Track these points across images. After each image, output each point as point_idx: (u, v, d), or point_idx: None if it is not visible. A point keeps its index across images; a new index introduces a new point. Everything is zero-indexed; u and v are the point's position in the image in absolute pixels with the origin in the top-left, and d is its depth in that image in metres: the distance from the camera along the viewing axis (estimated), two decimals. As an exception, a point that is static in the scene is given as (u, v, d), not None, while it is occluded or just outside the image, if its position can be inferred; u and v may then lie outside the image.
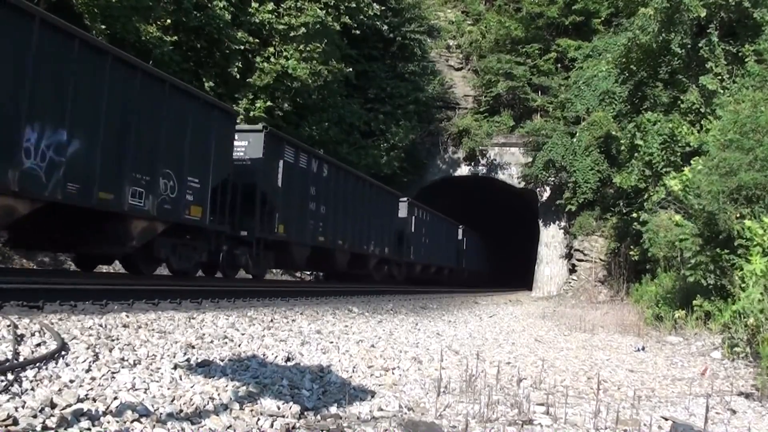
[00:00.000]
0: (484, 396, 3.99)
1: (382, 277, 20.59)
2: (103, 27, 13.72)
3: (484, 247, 39.27)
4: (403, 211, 21.60)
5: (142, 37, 14.73)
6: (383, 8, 24.88)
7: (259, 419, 3.08)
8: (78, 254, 11.04)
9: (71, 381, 3.23)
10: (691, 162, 13.64)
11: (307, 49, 19.33)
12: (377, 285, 18.61)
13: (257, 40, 18.92)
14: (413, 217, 22.85)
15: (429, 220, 25.30)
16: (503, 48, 31.52)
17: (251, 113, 18.45)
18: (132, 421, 2.76)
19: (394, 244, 20.62)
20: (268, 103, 18.76)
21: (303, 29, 19.20)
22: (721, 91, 16.08)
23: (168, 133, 9.69)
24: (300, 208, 14.07)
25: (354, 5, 22.07)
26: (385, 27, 25.80)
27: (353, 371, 4.63)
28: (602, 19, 30.33)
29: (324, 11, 19.96)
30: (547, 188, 29.40)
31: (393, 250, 20.44)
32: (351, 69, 22.47)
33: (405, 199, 22.15)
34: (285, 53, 19.30)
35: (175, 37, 16.10)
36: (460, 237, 31.61)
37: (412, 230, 22.69)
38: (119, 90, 8.67)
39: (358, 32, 22.98)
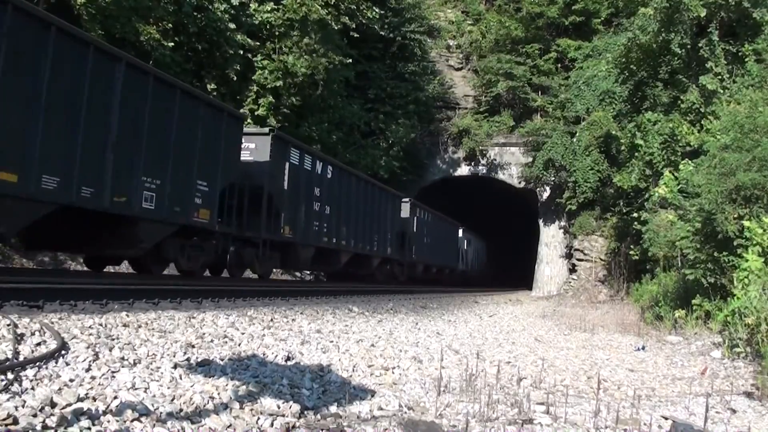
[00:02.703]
0: (484, 395, 3.99)
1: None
2: (102, 32, 13.70)
3: (483, 247, 39.25)
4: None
5: (142, 38, 14.71)
6: (382, 12, 24.85)
7: (259, 418, 3.08)
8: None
9: (71, 380, 3.23)
10: (680, 166, 13.64)
11: (305, 43, 19.30)
12: (378, 285, 19.26)
13: (257, 44, 18.91)
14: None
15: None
16: (503, 48, 31.49)
17: (255, 113, 18.47)
18: (132, 421, 2.76)
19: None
20: (271, 98, 18.79)
21: (297, 25, 19.18)
22: (721, 91, 16.06)
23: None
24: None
25: (353, 7, 22.04)
26: (382, 33, 25.81)
27: (353, 370, 4.63)
28: (602, 19, 30.36)
29: (324, 10, 19.95)
30: (547, 188, 29.41)
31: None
32: (350, 62, 22.42)
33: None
34: (285, 49, 19.28)
35: (176, 38, 16.07)
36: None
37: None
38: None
39: (357, 35, 22.96)
